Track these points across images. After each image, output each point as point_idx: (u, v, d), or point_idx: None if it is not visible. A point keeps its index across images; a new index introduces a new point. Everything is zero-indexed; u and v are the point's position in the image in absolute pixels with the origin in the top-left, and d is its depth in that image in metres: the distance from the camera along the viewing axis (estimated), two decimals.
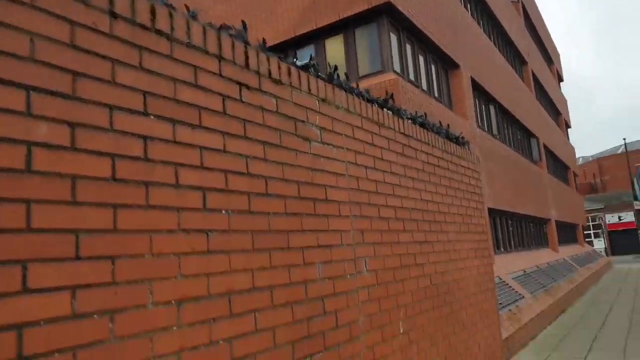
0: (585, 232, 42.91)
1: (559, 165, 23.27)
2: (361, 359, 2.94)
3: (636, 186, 12.16)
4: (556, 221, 18.97)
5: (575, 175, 27.63)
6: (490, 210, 11.89)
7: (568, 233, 23.07)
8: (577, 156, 71.17)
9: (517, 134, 16.40)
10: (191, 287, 1.93)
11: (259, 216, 2.34)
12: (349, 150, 3.22)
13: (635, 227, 43.70)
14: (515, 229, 14.34)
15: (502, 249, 12.76)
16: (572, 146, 27.48)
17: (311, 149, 2.83)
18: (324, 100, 3.05)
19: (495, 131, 13.33)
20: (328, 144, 3.00)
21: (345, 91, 3.33)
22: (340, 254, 2.93)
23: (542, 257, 15.30)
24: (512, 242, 13.84)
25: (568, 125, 28.04)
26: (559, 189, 21.12)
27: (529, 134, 17.55)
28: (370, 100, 3.64)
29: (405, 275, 3.71)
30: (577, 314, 11.29)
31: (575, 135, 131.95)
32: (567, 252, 19.26)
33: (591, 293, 15.34)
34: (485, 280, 4.97)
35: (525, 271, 12.19)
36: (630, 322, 9.30)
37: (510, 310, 8.63)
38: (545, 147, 19.53)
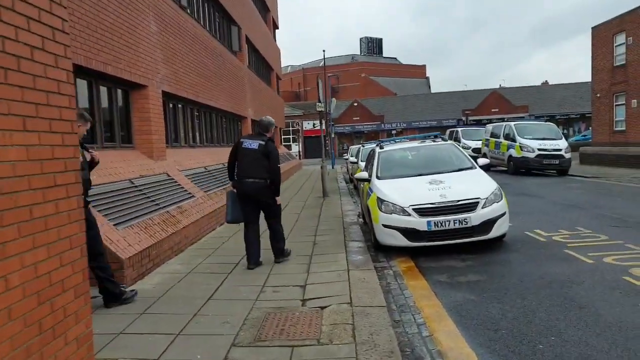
0: (284, 137, 47.16)
1: (262, 64, 22.97)
2: None
3: (320, 93, 12.04)
4: (253, 120, 18.59)
5: (278, 78, 28.37)
6: (169, 96, 9.71)
7: None
8: (287, 64, 77.19)
9: (216, 16, 14.40)
10: None
11: None
12: None
13: (325, 134, 50.62)
14: (203, 123, 12.77)
15: (182, 143, 10.97)
16: (278, 48, 27.81)
17: None
18: None
19: (184, 2, 10.84)
20: None
21: None
22: None
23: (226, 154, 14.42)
24: (198, 137, 12.25)
25: (276, 26, 28.08)
26: (259, 88, 20.78)
27: (229, 20, 15.83)
28: None
29: None
30: None
31: (292, 44, 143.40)
32: None
33: None
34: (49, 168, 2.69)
35: (206, 168, 10.83)
36: (303, 207, 9.04)
37: (168, 211, 6.92)
38: (247, 40, 18.38)
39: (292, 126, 47.65)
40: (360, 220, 9.02)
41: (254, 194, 5.69)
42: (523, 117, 37.41)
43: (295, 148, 47.88)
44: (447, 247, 6.06)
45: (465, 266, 5.56)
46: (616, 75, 24.53)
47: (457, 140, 22.64)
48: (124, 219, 5.65)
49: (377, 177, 7.13)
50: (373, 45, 77.71)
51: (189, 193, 8.39)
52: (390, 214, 6.16)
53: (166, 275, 5.53)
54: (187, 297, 4.67)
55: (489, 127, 20.10)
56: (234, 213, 5.85)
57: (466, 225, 5.89)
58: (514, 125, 17.23)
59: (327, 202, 12.30)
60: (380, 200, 6.37)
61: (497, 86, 52.68)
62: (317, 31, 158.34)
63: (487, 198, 6.10)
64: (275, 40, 28.06)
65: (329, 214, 10.07)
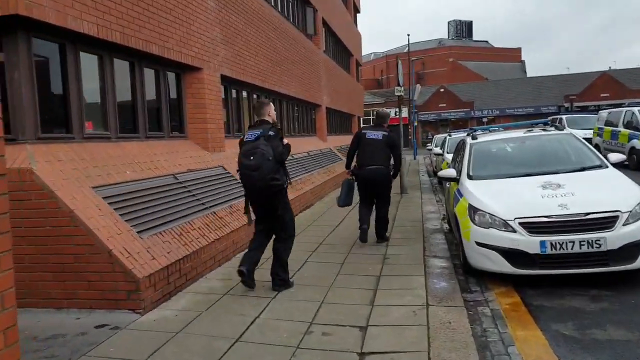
0: (364, 125, 45.64)
1: (341, 49, 21.69)
2: None
3: (399, 76, 10.49)
4: (328, 108, 17.44)
5: (359, 65, 26.95)
6: (230, 81, 8.81)
7: (344, 123, 22.40)
8: (370, 52, 75.21)
9: None
10: None
11: None
12: None
13: (407, 123, 48.26)
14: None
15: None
16: (358, 32, 26.35)
17: None
18: None
19: None
20: None
21: None
22: None
23: (305, 145, 13.40)
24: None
25: (357, 9, 26.60)
26: (336, 74, 19.56)
27: (304, 1, 14.72)
28: None
29: None
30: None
31: (375, 30, 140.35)
32: (336, 142, 18.21)
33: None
34: None
35: None
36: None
37: (214, 212, 5.97)
38: (324, 22, 17.18)
39: (373, 114, 45.94)
40: (446, 226, 7.48)
41: (374, 179, 6.24)
42: None
43: None
44: (567, 275, 4.41)
45: (600, 310, 3.89)
46: None
47: (633, 127, 19.58)
48: (153, 224, 4.72)
49: (469, 177, 5.57)
50: (462, 29, 73.03)
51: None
52: (487, 228, 4.63)
53: (198, 295, 4.52)
54: (209, 336, 3.58)
55: (603, 113, 17.08)
56: (346, 199, 6.62)
57: (599, 249, 4.19)
58: (639, 110, 14.27)
59: (405, 200, 10.79)
60: (472, 209, 4.85)
61: (607, 68, 46.53)
62: (402, 17, 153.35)
63: (631, 211, 4.32)
64: (356, 25, 26.60)
65: (407, 216, 8.61)
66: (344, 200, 6.59)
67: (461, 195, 5.32)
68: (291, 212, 4.78)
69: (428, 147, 25.50)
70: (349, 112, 22.81)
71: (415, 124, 29.88)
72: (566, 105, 40.39)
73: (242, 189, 4.76)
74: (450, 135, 13.64)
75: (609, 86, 39.30)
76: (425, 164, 23.76)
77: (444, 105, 46.62)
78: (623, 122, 14.93)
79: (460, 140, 7.55)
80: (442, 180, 6.12)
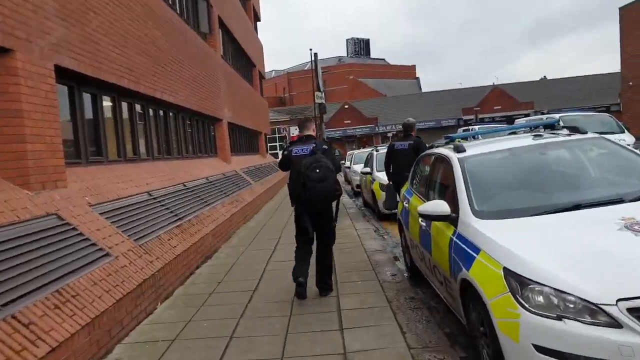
0: (270, 144, 43.27)
1: (242, 57, 19.13)
2: None
3: (319, 80, 8.24)
4: (231, 123, 14.74)
5: (262, 77, 24.57)
6: (77, 78, 5.84)
7: (250, 141, 19.75)
8: (270, 69, 73.52)
9: None
10: None
11: None
12: None
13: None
14: (152, 126, 8.86)
15: (111, 156, 7.05)
16: (260, 42, 24.02)
17: None
18: None
19: None
20: None
21: None
22: None
23: (202, 169, 10.55)
24: (142, 146, 8.33)
25: (257, 17, 24.30)
26: (238, 85, 16.93)
27: None
28: None
29: None
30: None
31: (277, 47, 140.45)
32: (242, 163, 15.51)
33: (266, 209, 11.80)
34: None
35: (151, 194, 6.95)
36: None
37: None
38: (221, 22, 14.55)
39: (279, 132, 43.78)
40: (406, 274, 5.21)
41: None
42: (530, 113, 34.12)
43: None
44: None
45: None
46: None
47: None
48: None
49: (475, 214, 3.33)
50: (361, 46, 74.49)
51: (99, 248, 4.52)
52: (556, 317, 2.38)
53: None
54: None
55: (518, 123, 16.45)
56: (391, 202, 7.40)
57: None
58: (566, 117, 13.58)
59: (337, 232, 8.46)
60: (515, 279, 2.60)
61: (491, 84, 49.40)
62: (301, 34, 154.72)
63: None
64: (257, 33, 24.27)
65: (348, 258, 6.26)
66: (390, 204, 7.43)
67: (475, 249, 3.04)
68: None
69: (342, 164, 23.77)
70: (255, 129, 20.22)
71: (325, 139, 28.21)
72: (465, 118, 41.73)
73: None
74: (377, 151, 11.67)
75: (501, 99, 41.36)
76: (341, 182, 21.91)
77: (349, 121, 46.00)
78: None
79: (425, 156, 5.38)
80: (424, 218, 3.76)
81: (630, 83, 22.95)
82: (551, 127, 4.50)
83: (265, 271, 6.09)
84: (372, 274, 5.45)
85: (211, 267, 6.67)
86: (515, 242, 2.84)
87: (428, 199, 4.47)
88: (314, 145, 4.65)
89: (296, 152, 4.75)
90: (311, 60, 38.74)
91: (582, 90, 42.45)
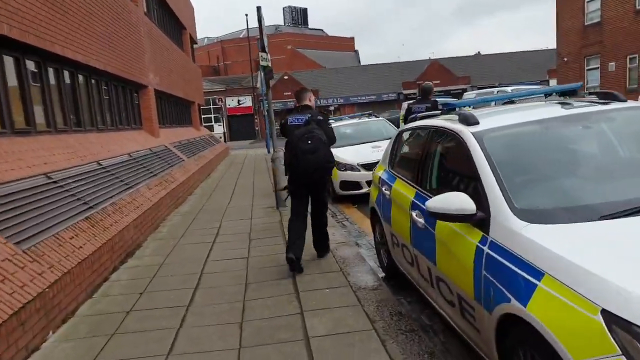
0: (204, 116, 40.77)
1: (170, 17, 16.98)
2: None
3: (264, 38, 6.83)
4: (158, 92, 12.90)
5: (193, 42, 22.37)
6: None
7: (182, 112, 17.82)
8: (203, 36, 69.33)
9: None
10: None
11: None
12: None
13: (252, 112, 44.75)
14: (56, 91, 7.08)
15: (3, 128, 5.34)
16: (191, 4, 21.71)
17: None
18: None
19: None
20: None
21: None
22: None
23: (124, 143, 8.87)
24: (43, 115, 6.56)
25: None
26: (165, 47, 14.93)
27: None
28: None
29: None
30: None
31: (209, 14, 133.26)
32: (172, 136, 13.76)
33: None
34: None
35: (49, 176, 5.36)
36: (249, 239, 4.07)
37: None
38: None
39: (214, 103, 41.23)
40: (372, 266, 4.18)
41: None
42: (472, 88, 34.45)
43: (219, 129, 41.48)
44: None
45: None
46: (588, 35, 21.62)
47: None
48: None
49: (518, 214, 2.26)
50: (298, 16, 72.07)
51: None
52: None
53: None
54: None
55: (404, 104, 15.30)
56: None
57: None
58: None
59: (286, 219, 7.28)
60: (637, 335, 1.55)
61: (427, 58, 49.52)
62: (233, 2, 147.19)
63: None
64: None
65: (308, 254, 5.09)
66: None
67: (532, 271, 2.00)
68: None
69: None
70: (187, 98, 18.27)
71: (265, 113, 26.46)
72: (405, 92, 41.52)
73: None
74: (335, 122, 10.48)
75: (439, 73, 41.48)
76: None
77: (289, 93, 44.24)
78: None
79: (407, 129, 4.26)
80: (440, 218, 2.63)
81: (565, 59, 23.31)
82: (572, 93, 3.53)
83: (202, 275, 4.81)
84: (342, 277, 4.35)
85: (132, 270, 5.26)
86: (609, 265, 1.81)
87: (423, 187, 3.40)
88: (310, 115, 4.59)
89: (291, 122, 4.65)
90: (247, 29, 36.40)
91: (514, 66, 43.61)
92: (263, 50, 8.07)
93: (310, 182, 4.59)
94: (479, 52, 53.02)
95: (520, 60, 44.32)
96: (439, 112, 3.90)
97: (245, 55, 49.32)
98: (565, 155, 2.74)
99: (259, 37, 8.78)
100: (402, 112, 18.92)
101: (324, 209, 4.86)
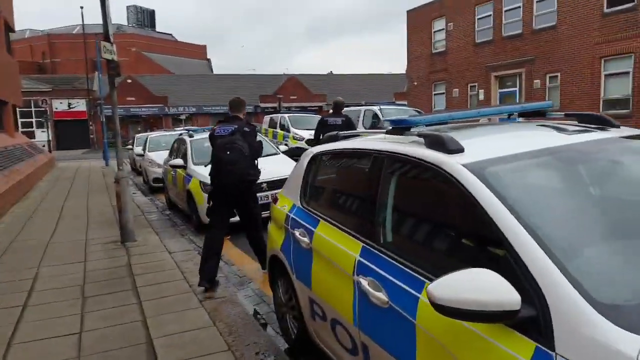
0: (23, 120, 34.08)
1: None
2: None
3: (109, 26, 4.87)
4: None
5: (9, 28, 17.99)
6: None
7: None
8: (25, 28, 59.23)
9: None
10: None
11: None
12: None
13: (86, 118, 38.92)
14: None
15: None
16: None
17: None
18: None
19: None
20: None
21: None
22: None
23: None
24: None
25: None
26: None
27: None
28: None
29: None
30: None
31: (36, 6, 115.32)
32: None
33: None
34: None
35: None
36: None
37: None
38: None
39: (37, 106, 34.72)
40: (272, 335, 2.73)
41: None
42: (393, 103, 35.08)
43: (43, 136, 34.85)
44: None
45: None
46: (436, 62, 23.27)
47: (285, 129, 17.78)
48: None
49: (601, 310, 1.16)
50: (144, 17, 66.49)
51: None
52: None
53: None
54: None
55: (267, 117, 16.98)
56: None
57: None
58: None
59: (139, 261, 5.29)
60: None
61: (282, 73, 49.82)
62: None
63: None
64: None
65: (175, 323, 3.30)
66: None
67: None
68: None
69: (128, 148, 19.28)
70: None
71: (103, 119, 22.63)
72: (262, 105, 40.55)
73: None
74: (191, 136, 8.55)
75: (297, 89, 41.59)
76: (129, 173, 17.57)
77: (133, 99, 39.75)
78: (280, 124, 16.45)
79: (332, 150, 2.85)
80: (461, 317, 1.26)
81: (415, 82, 24.86)
82: (540, 113, 2.57)
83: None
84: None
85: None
86: None
87: (374, 240, 2.08)
88: (236, 126, 4.49)
89: (218, 132, 4.56)
90: (82, 24, 31.47)
91: (366, 87, 46.14)
92: (107, 39, 5.97)
93: (236, 194, 4.51)
94: (331, 71, 55.17)
95: (371, 82, 47.09)
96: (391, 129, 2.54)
97: (79, 54, 43.06)
98: (613, 205, 1.74)
99: (102, 23, 6.63)
100: (264, 125, 18.57)
101: (256, 222, 4.74)
